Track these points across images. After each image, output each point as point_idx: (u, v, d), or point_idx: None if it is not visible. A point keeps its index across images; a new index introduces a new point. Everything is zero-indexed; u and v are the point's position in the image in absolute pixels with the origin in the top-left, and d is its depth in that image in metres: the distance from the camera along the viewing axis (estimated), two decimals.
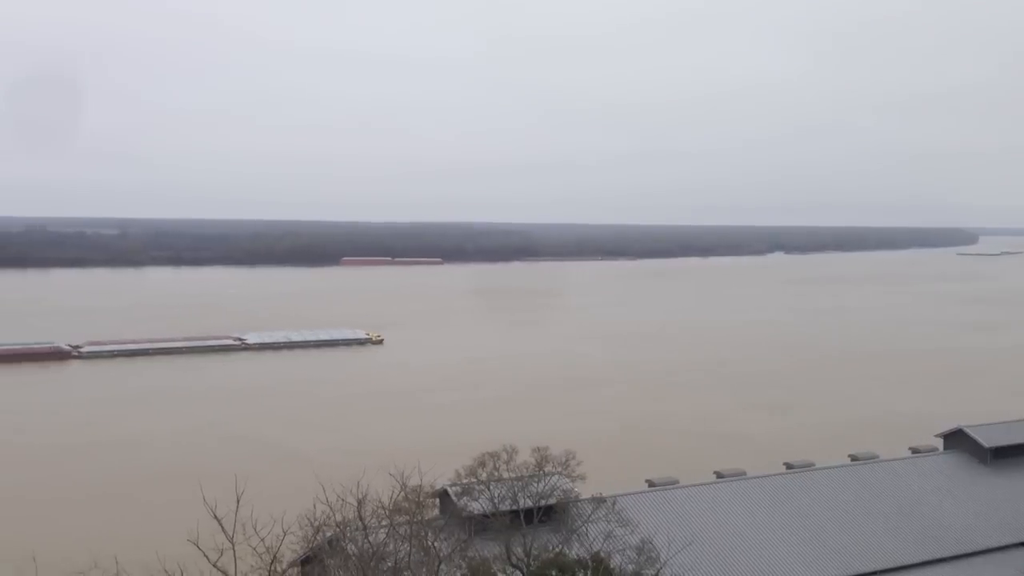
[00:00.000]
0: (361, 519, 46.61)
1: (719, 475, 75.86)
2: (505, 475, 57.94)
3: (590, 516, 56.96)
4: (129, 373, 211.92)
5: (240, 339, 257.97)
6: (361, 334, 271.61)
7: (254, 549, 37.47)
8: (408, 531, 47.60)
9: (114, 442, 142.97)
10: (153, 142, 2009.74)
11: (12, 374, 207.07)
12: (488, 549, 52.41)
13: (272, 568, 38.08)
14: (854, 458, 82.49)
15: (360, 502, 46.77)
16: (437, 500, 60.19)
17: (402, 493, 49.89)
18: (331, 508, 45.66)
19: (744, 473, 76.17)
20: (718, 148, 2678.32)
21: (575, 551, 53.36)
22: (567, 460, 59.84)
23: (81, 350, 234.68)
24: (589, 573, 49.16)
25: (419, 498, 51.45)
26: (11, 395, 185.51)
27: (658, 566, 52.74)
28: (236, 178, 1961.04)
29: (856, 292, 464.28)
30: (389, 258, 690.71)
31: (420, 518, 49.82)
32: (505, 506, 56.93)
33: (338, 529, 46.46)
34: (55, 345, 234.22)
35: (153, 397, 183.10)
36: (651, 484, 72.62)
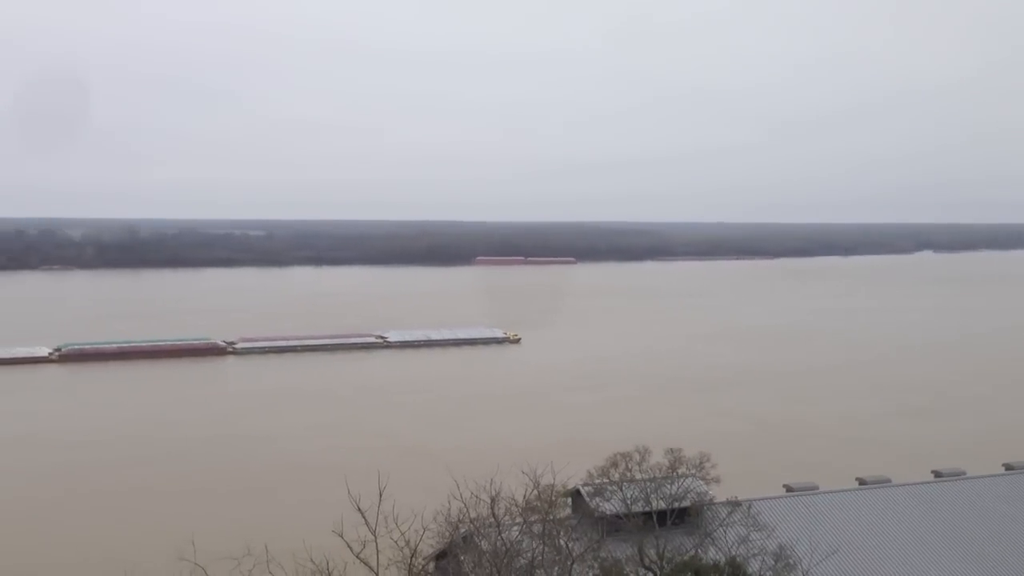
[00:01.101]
0: (494, 516, 47.29)
1: (862, 481, 73.12)
2: (638, 476, 57.55)
3: (725, 520, 55.93)
4: (279, 368, 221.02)
5: (382, 337, 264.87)
6: (499, 333, 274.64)
7: (395, 543, 38.65)
8: (541, 529, 48.05)
9: (264, 435, 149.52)
10: (293, 147, 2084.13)
11: (175, 368, 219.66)
12: (620, 550, 52.21)
13: (412, 562, 39.16)
14: (1009, 467, 78.10)
15: (493, 499, 47.43)
16: (569, 500, 60.26)
17: (535, 491, 50.35)
18: (465, 505, 46.51)
19: (889, 480, 73.14)
20: (869, 146, 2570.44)
21: (710, 555, 52.64)
22: (701, 462, 59.00)
23: (235, 346, 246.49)
24: None
25: (551, 497, 51.79)
26: (174, 388, 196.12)
27: (798, 574, 51.44)
28: (372, 180, 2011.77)
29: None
30: (522, 258, 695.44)
31: (552, 517, 50.17)
32: (638, 507, 56.54)
33: (472, 525, 47.30)
34: (212, 341, 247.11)
35: (299, 392, 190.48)
36: (789, 489, 70.68)
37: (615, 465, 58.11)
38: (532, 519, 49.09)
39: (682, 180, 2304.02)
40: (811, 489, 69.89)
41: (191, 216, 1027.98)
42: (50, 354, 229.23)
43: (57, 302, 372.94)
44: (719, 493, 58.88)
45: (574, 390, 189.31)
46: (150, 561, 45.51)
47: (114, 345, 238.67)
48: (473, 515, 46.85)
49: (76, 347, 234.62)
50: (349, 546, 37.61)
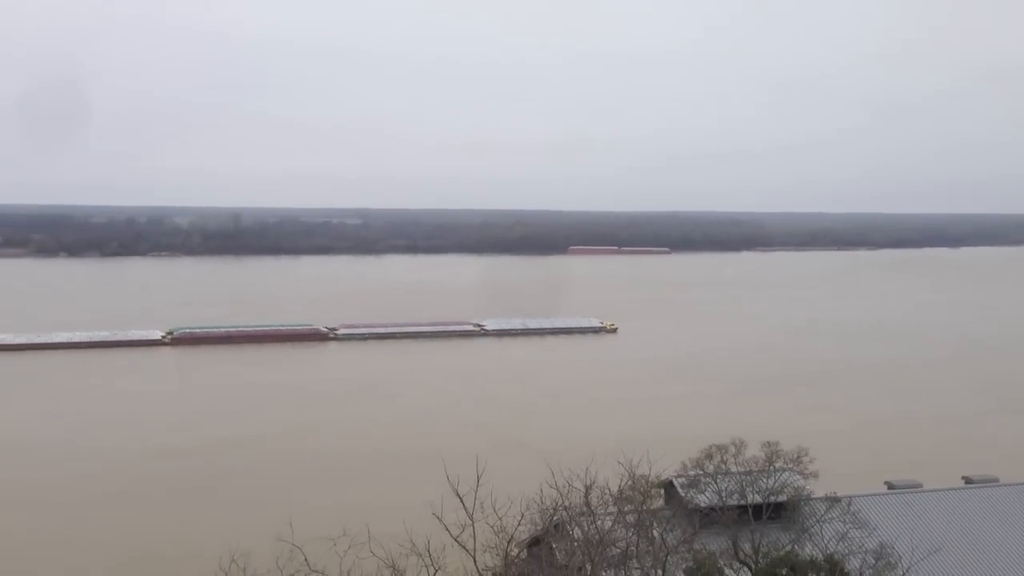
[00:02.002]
0: (588, 505, 47.50)
1: (968, 480, 70.97)
2: (733, 469, 57.03)
3: (823, 516, 55.02)
4: (378, 354, 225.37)
5: (479, 325, 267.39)
6: (595, 323, 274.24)
7: (491, 527, 39.26)
8: (634, 520, 48.07)
9: (363, 418, 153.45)
10: (387, 137, 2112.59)
11: (279, 352, 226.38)
12: (714, 543, 51.90)
13: (508, 548, 39.70)
14: None
15: (587, 488, 47.61)
16: (662, 491, 60.18)
17: (629, 482, 50.37)
18: (559, 493, 46.83)
19: (997, 480, 70.80)
20: (974, 129, 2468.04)
21: (806, 551, 51.88)
22: (799, 456, 58.12)
23: (337, 332, 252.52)
24: (822, 575, 47.70)
25: (645, 488, 51.74)
26: (278, 371, 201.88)
27: (899, 573, 50.28)
28: (464, 170, 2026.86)
29: None
30: (616, 247, 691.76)
31: (646, 507, 50.13)
32: (733, 500, 56.04)
33: (566, 513, 47.60)
34: (314, 327, 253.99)
35: (397, 377, 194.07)
36: (890, 486, 69.04)
37: (710, 457, 57.74)
38: (626, 509, 49.14)
39: (781, 169, 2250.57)
40: (914, 487, 68.17)
41: (291, 205, 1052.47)
42: (163, 337, 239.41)
43: (166, 287, 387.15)
44: (817, 488, 57.91)
45: (669, 381, 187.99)
46: (251, 542, 47.03)
47: (222, 329, 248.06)
48: (567, 503, 47.16)
49: (187, 331, 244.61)
50: (447, 529, 38.36)
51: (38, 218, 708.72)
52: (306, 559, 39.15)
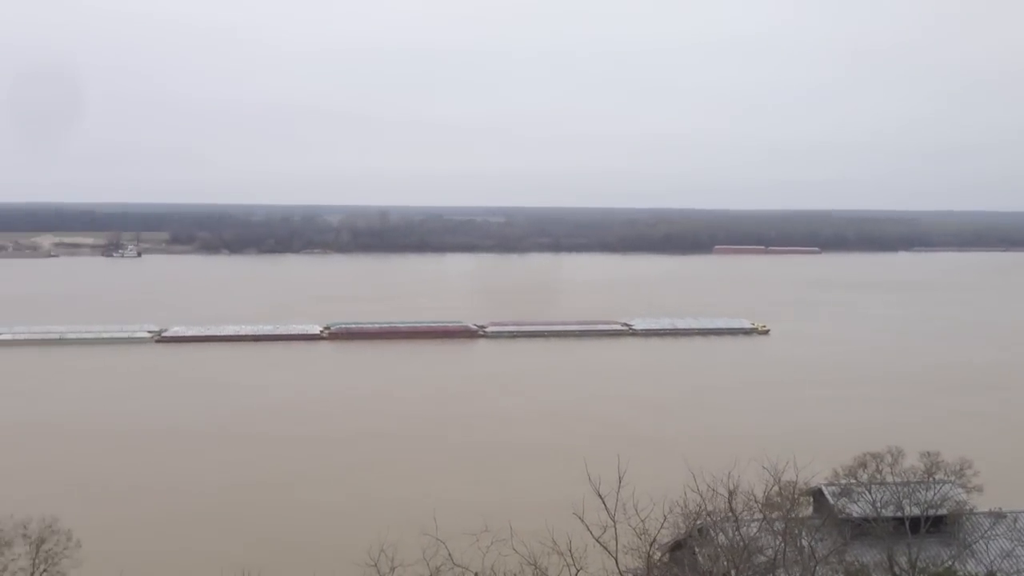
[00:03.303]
0: (732, 510, 46.51)
1: None
2: (889, 479, 54.69)
3: (988, 532, 52.10)
4: (524, 352, 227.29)
5: (627, 325, 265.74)
6: (746, 323, 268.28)
7: (634, 530, 38.96)
8: (782, 527, 46.75)
9: (504, 414, 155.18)
10: (526, 135, 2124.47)
11: (430, 348, 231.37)
12: (867, 555, 49.89)
13: (650, 551, 39.32)
14: None
15: (732, 493, 46.62)
16: (811, 498, 58.31)
17: (775, 488, 49.04)
18: (702, 497, 46.00)
19: None
20: None
21: (968, 568, 49.19)
22: (961, 468, 55.19)
23: (486, 330, 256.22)
24: None
25: (793, 495, 50.28)
26: (428, 366, 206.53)
27: None
28: (606, 168, 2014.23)
29: None
30: (763, 247, 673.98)
31: (793, 515, 48.70)
32: (888, 512, 53.72)
33: (709, 518, 46.74)
34: (464, 325, 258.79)
35: (541, 375, 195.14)
36: None
37: (863, 466, 55.62)
38: (772, 516, 47.89)
39: (942, 164, 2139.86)
40: None
41: (437, 203, 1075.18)
42: (321, 332, 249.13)
43: (320, 283, 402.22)
44: (980, 503, 54.82)
45: (821, 384, 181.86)
46: (397, 535, 48.18)
47: (376, 325, 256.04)
48: (710, 508, 46.32)
49: (343, 326, 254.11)
50: (589, 529, 38.27)
51: (203, 216, 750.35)
52: (450, 554, 39.85)
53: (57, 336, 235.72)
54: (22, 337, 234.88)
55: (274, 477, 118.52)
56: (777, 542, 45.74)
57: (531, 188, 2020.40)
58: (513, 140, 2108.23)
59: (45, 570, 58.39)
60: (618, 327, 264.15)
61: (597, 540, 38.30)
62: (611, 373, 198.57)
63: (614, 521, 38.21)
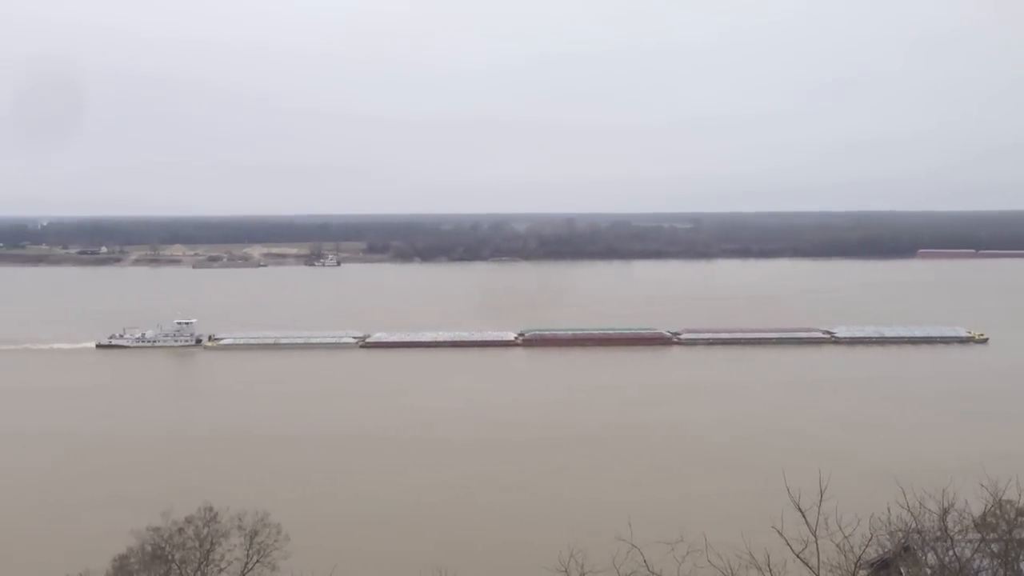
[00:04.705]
0: (944, 529, 43.60)
1: None
2: None
3: None
4: (720, 360, 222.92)
5: (829, 332, 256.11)
6: (961, 332, 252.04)
7: (837, 546, 37.20)
8: (1000, 549, 43.41)
9: (696, 422, 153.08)
10: (712, 140, 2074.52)
11: (626, 355, 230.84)
12: None
13: (855, 569, 37.40)
14: None
15: (944, 511, 43.71)
16: None
17: (994, 507, 45.62)
18: (911, 514, 43.39)
19: None
20: None
21: None
22: None
23: (680, 336, 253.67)
24: None
25: (1013, 515, 46.58)
26: (622, 374, 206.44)
27: None
28: (795, 171, 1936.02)
29: None
30: (972, 250, 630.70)
31: (1013, 537, 45.11)
32: None
33: (918, 537, 44.03)
34: (658, 332, 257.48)
35: (736, 384, 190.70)
36: None
37: None
38: (989, 537, 44.56)
39: None
40: None
41: (623, 210, 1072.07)
42: (515, 338, 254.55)
43: (508, 290, 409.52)
44: None
45: None
46: (587, 540, 48.13)
47: (569, 332, 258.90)
48: (919, 526, 43.62)
49: (537, 332, 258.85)
50: (789, 544, 36.81)
51: (397, 227, 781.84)
52: (644, 560, 39.36)
53: (272, 341, 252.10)
54: (242, 342, 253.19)
55: (459, 480, 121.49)
56: (994, 565, 42.53)
57: (719, 193, 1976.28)
58: (695, 143, 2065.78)
59: (258, 561, 62.28)
60: (819, 335, 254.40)
61: (797, 556, 36.72)
62: (811, 382, 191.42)
63: (815, 536, 36.51)
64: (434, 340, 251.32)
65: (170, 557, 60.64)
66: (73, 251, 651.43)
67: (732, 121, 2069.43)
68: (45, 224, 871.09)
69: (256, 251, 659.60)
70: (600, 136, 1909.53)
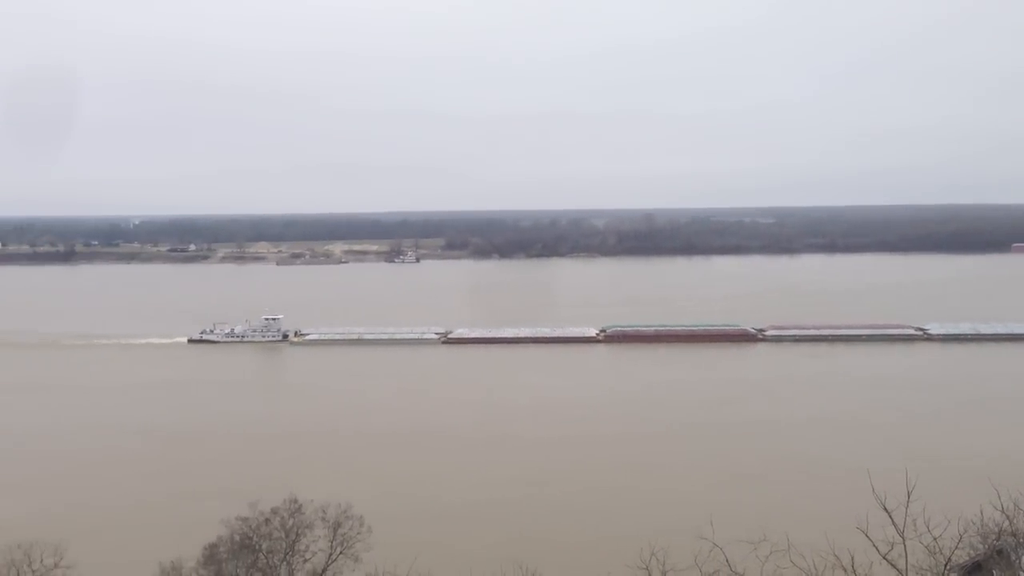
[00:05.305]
0: None
1: None
2: None
3: None
4: (805, 356, 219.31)
5: (921, 329, 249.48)
6: None
7: (926, 548, 36.27)
8: None
9: (779, 421, 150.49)
10: (789, 132, 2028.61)
11: (709, 352, 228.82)
12: None
13: (945, 572, 36.39)
14: None
15: None
16: None
17: None
18: (1005, 515, 42.05)
19: None
20: None
21: None
22: None
23: (765, 333, 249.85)
24: None
25: None
26: (705, 371, 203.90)
27: None
28: (883, 164, 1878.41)
29: None
30: None
31: None
32: None
33: (1012, 539, 42.66)
34: (742, 328, 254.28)
35: (821, 382, 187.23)
36: None
37: None
38: None
39: None
40: None
41: (703, 205, 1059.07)
42: (597, 334, 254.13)
43: (587, 286, 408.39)
44: None
45: None
46: (668, 539, 47.84)
47: (651, 328, 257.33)
48: (1014, 528, 42.26)
49: (618, 328, 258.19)
50: (875, 545, 36.04)
51: (475, 223, 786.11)
52: (727, 559, 39.03)
53: (356, 336, 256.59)
54: (326, 337, 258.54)
55: (537, 475, 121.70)
56: None
57: (801, 186, 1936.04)
58: (775, 136, 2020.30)
59: (341, 552, 63.54)
60: (911, 331, 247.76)
61: (884, 557, 35.91)
62: (902, 381, 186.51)
63: (903, 538, 35.69)
64: (516, 336, 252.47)
65: (257, 547, 62.31)
66: (163, 249, 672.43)
67: (817, 110, 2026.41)
68: (137, 223, 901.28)
69: (337, 248, 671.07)
70: (678, 127, 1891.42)
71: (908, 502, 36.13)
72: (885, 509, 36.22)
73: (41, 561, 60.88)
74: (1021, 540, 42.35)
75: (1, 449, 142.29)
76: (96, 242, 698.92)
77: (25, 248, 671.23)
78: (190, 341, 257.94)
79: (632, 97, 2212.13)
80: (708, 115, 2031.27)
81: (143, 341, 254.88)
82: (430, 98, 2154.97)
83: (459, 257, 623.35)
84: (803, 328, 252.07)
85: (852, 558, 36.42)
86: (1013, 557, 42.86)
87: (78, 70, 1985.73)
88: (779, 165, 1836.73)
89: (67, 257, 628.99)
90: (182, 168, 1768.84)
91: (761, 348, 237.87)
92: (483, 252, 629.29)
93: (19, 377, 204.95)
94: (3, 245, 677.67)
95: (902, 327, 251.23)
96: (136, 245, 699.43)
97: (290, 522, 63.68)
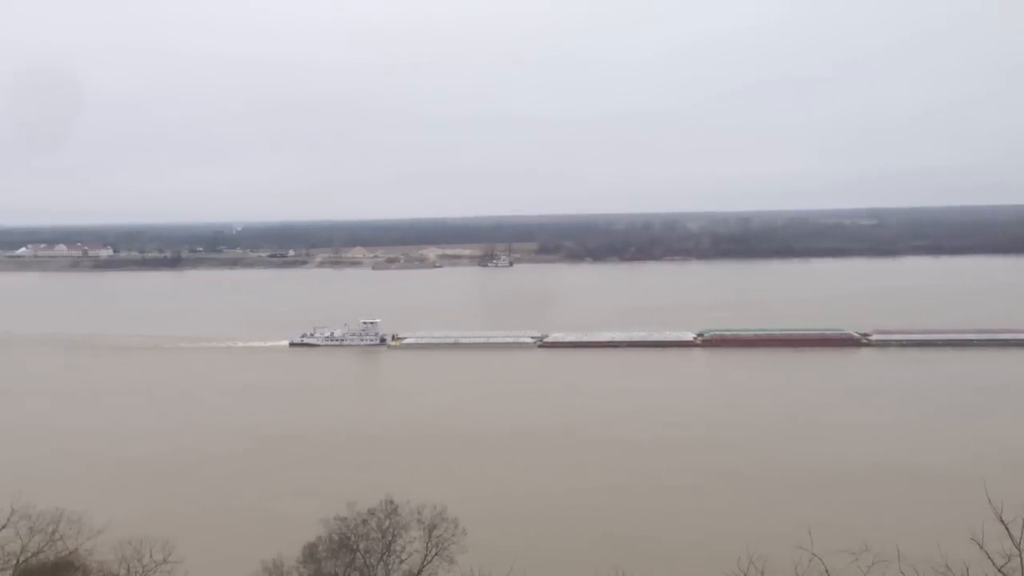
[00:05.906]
0: None
1: None
2: None
3: None
4: (913, 362, 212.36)
5: None
6: None
7: None
8: None
9: (879, 428, 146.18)
10: (887, 133, 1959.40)
11: (810, 357, 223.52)
12: None
13: None
14: None
15: None
16: None
17: None
18: None
19: None
20: None
21: None
22: None
23: (870, 338, 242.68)
24: None
25: None
26: (805, 377, 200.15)
27: None
28: (980, 164, 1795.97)
29: None
30: None
31: None
32: None
33: None
34: (845, 332, 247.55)
35: (933, 387, 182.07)
36: None
37: None
38: None
39: None
40: None
41: (801, 207, 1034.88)
42: (694, 339, 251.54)
43: (682, 290, 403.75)
44: None
45: None
46: (766, 547, 46.81)
47: (750, 333, 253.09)
48: None
49: (716, 333, 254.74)
50: (990, 558, 34.53)
51: (568, 227, 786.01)
52: (827, 569, 38.02)
53: (452, 340, 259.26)
54: (424, 341, 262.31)
55: (631, 480, 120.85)
56: None
57: (900, 188, 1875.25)
58: (871, 135, 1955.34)
59: (436, 554, 63.97)
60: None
61: (999, 570, 34.38)
62: (1017, 388, 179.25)
63: (1019, 550, 34.08)
64: (611, 340, 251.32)
65: (355, 546, 63.19)
66: (264, 254, 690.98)
67: (925, 112, 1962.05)
68: (239, 229, 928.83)
69: (431, 252, 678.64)
70: (774, 128, 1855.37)
71: None
72: (1001, 520, 34.63)
73: (151, 556, 62.89)
74: None
75: (111, 449, 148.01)
76: (201, 248, 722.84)
77: (135, 255, 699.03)
78: (291, 344, 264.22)
79: (721, 95, 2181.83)
80: (809, 117, 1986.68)
81: (246, 344, 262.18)
82: (518, 101, 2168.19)
83: (552, 261, 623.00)
84: (910, 332, 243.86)
85: (967, 569, 35.00)
86: None
87: (187, 93, 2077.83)
88: (881, 168, 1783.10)
89: (174, 263, 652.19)
90: (284, 184, 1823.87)
91: (865, 353, 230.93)
92: (576, 256, 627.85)
93: (128, 379, 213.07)
94: (115, 252, 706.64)
95: (1017, 331, 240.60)
96: (238, 251, 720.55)
97: (387, 523, 64.37)
